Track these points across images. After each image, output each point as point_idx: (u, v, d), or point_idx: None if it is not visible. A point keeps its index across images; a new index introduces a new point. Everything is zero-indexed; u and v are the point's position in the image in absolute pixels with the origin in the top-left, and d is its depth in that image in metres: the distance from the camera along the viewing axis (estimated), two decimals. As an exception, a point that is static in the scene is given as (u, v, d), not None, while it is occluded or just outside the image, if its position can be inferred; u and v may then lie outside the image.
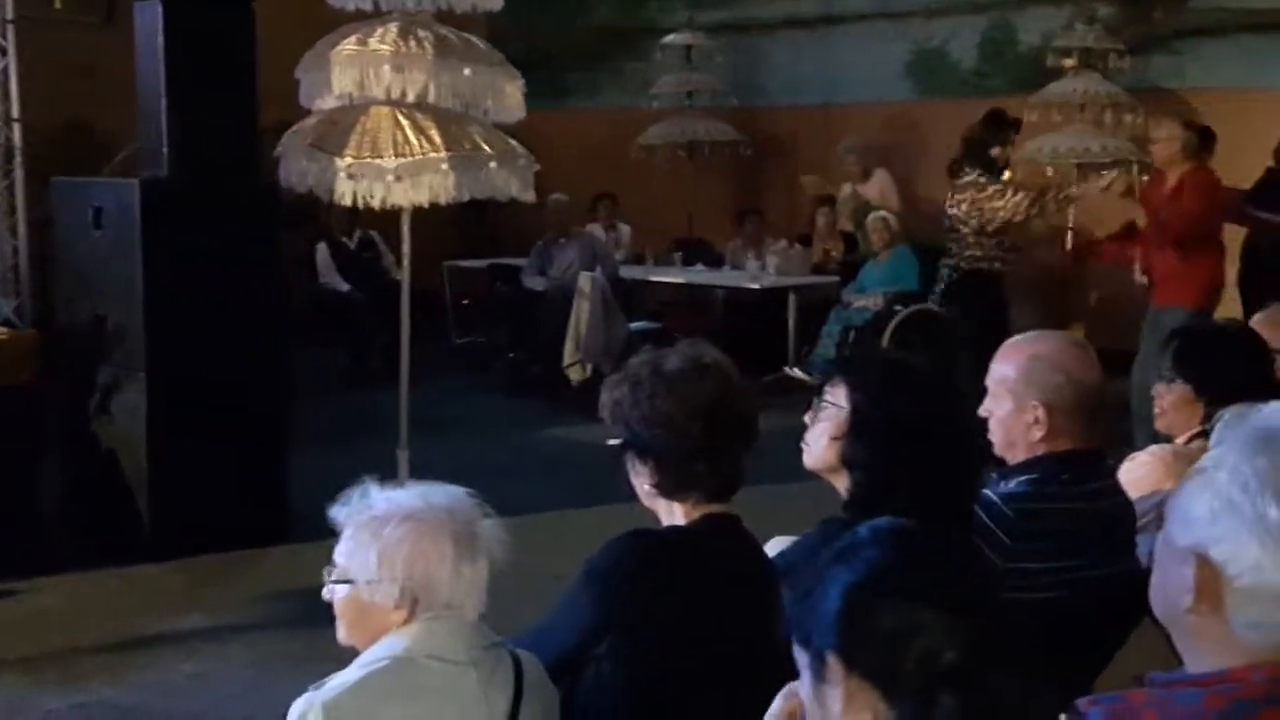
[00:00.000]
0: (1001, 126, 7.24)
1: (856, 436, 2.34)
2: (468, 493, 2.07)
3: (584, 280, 8.89)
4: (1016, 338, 2.71)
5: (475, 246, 10.72)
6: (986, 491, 2.59)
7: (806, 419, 2.50)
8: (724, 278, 9.95)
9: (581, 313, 8.80)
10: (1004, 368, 2.66)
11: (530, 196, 5.71)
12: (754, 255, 9.84)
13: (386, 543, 1.94)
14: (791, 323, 9.17)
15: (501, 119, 5.67)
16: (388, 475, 2.12)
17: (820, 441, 2.44)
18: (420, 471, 6.13)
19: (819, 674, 1.34)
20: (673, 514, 2.29)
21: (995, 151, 7.11)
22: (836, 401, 2.42)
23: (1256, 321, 3.27)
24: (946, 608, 1.29)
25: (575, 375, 8.74)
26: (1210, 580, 1.40)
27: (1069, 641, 2.53)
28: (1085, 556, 2.53)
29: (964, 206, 7.14)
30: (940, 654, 1.26)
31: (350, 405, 8.42)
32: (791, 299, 9.18)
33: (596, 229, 10.18)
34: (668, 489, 2.26)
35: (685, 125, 10.94)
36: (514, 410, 8.64)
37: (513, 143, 5.65)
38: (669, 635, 2.09)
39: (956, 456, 2.37)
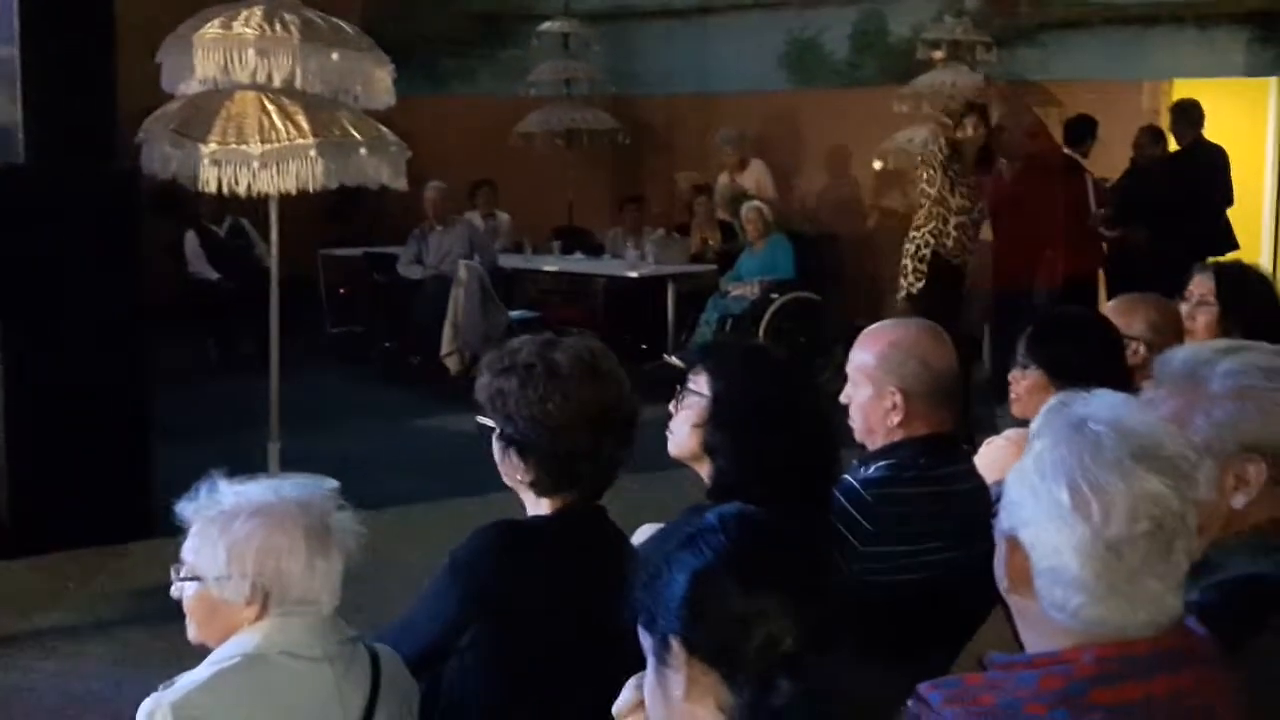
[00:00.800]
0: (969, 110, 7.34)
1: (717, 424, 2.36)
2: (322, 485, 2.03)
3: (462, 269, 8.83)
4: (874, 325, 2.75)
5: (352, 234, 10.57)
6: (846, 477, 2.62)
7: (671, 407, 2.51)
8: (603, 266, 9.95)
9: (459, 301, 8.74)
10: (863, 355, 2.69)
11: (402, 184, 5.65)
12: (633, 244, 9.86)
13: (235, 538, 1.90)
14: (670, 311, 9.21)
15: (371, 105, 5.60)
16: (258, 468, 2.08)
17: (683, 429, 2.45)
18: (293, 464, 6.07)
19: (662, 658, 1.35)
20: (538, 504, 2.28)
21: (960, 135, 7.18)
22: (698, 390, 2.43)
23: (1109, 309, 3.35)
24: (789, 595, 1.31)
25: (453, 364, 8.68)
26: (1021, 563, 1.45)
27: (928, 622, 2.58)
28: (942, 539, 2.58)
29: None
30: (780, 640, 1.28)
31: (221, 397, 8.24)
32: (670, 287, 9.22)
33: (475, 217, 10.10)
34: (544, 487, 2.25)
35: (563, 113, 10.91)
36: (391, 400, 8.55)
37: (383, 129, 5.58)
38: (532, 626, 2.09)
39: (815, 443, 2.40)
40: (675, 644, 1.33)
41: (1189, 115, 8.33)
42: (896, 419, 2.65)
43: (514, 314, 9.13)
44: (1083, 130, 8.17)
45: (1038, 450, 1.48)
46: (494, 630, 2.08)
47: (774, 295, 9.06)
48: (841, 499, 2.56)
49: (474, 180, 10.46)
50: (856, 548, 2.55)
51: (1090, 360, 2.81)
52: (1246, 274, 3.54)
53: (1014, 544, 1.46)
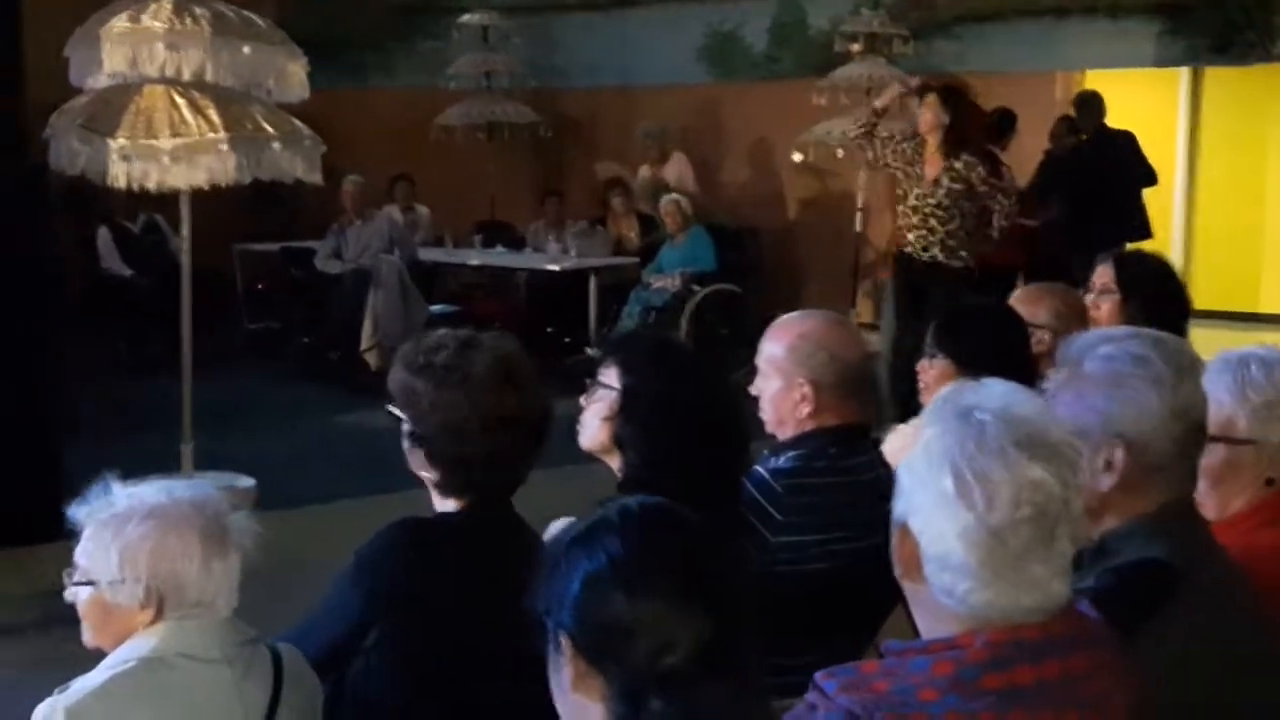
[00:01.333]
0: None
1: (627, 417, 2.37)
2: (235, 484, 2.00)
3: (381, 263, 8.76)
4: (783, 318, 2.77)
5: (270, 229, 10.43)
6: (757, 468, 2.64)
7: (582, 400, 2.51)
8: (525, 260, 9.92)
9: (379, 296, 8.68)
10: (772, 347, 2.71)
11: (317, 178, 5.59)
12: (554, 237, 9.83)
13: (128, 541, 1.87)
14: (593, 304, 9.20)
15: (285, 99, 5.53)
16: (171, 469, 2.05)
17: (593, 423, 2.46)
18: (208, 463, 6.01)
19: (556, 646, 1.35)
20: (445, 502, 2.27)
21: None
22: (608, 382, 2.43)
23: (1015, 299, 3.41)
24: (680, 604, 1.30)
25: (373, 360, 8.60)
26: (911, 550, 1.47)
27: (838, 611, 2.61)
28: (851, 528, 2.60)
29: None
30: (660, 655, 1.28)
31: (134, 396, 8.10)
32: (592, 280, 9.21)
33: (394, 211, 10.01)
34: (449, 488, 2.23)
35: (484, 106, 10.84)
36: (310, 397, 8.46)
37: (297, 123, 5.52)
38: (438, 625, 2.08)
39: (725, 435, 2.41)
40: (564, 639, 1.33)
41: (1091, 105, 8.49)
42: (806, 410, 2.67)
43: (434, 308, 9.08)
44: (1004, 125, 8.27)
45: (926, 439, 1.50)
46: (399, 629, 2.07)
47: (695, 287, 9.08)
48: (752, 490, 2.58)
49: (393, 174, 10.37)
50: (767, 538, 2.57)
51: (995, 349, 2.86)
52: (1146, 262, 3.61)
53: (905, 531, 1.48)
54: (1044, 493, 1.44)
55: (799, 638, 2.60)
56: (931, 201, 6.55)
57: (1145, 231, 8.44)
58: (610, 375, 2.42)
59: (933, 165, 6.60)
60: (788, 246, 10.50)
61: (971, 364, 2.84)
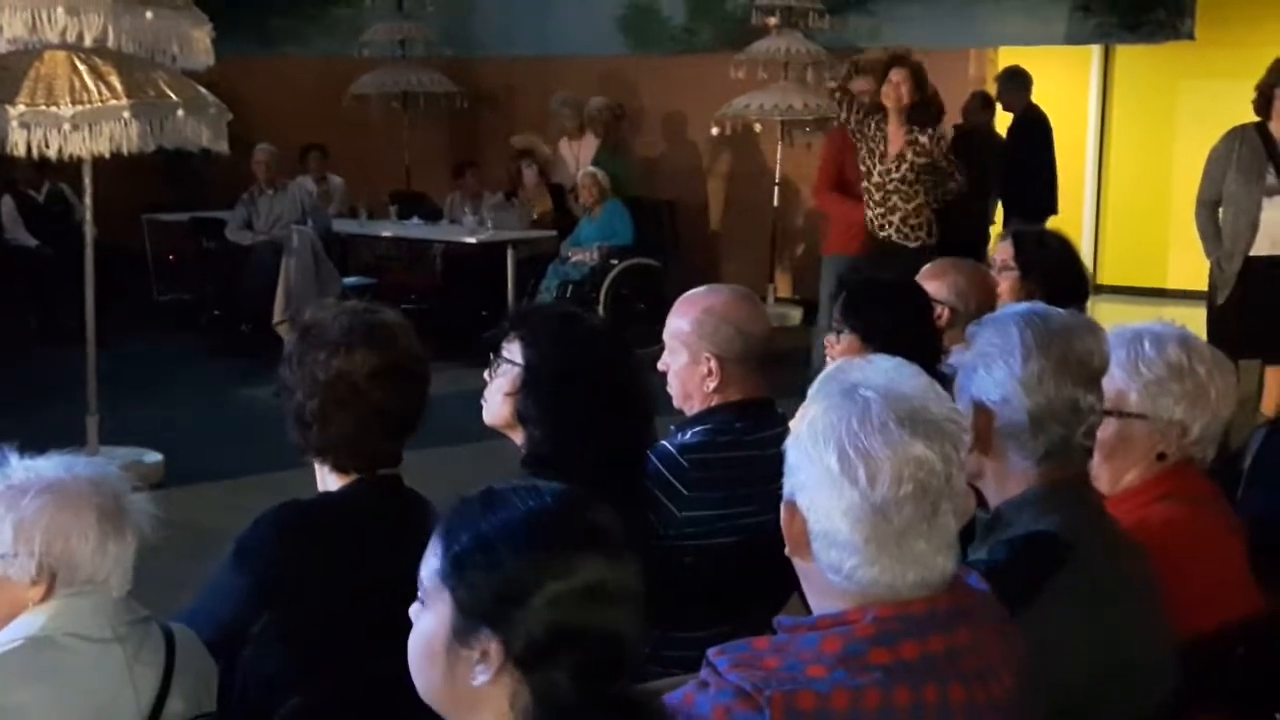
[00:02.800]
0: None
1: (529, 392, 2.36)
2: (141, 459, 1.97)
3: (294, 234, 8.63)
4: (689, 293, 2.78)
5: (180, 199, 10.26)
6: (663, 443, 2.65)
7: (486, 375, 2.50)
8: (441, 232, 9.83)
9: (291, 268, 8.54)
10: (678, 322, 2.72)
11: (223, 147, 5.50)
12: (471, 209, 9.75)
13: (23, 515, 1.83)
14: (510, 278, 9.14)
15: (190, 66, 5.43)
16: (76, 442, 2.01)
17: (496, 398, 2.45)
18: (115, 437, 5.91)
19: (437, 610, 1.37)
20: (325, 479, 2.25)
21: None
22: (511, 357, 2.42)
23: (921, 274, 3.44)
24: (564, 582, 1.33)
25: (285, 333, 8.48)
26: (799, 527, 1.48)
27: (746, 585, 2.63)
28: (757, 503, 2.62)
29: None
30: (556, 617, 1.30)
31: (40, 368, 7.94)
32: (510, 253, 9.15)
33: (307, 181, 9.87)
34: (327, 460, 2.21)
35: (398, 75, 10.73)
36: (220, 370, 8.35)
37: (202, 90, 5.42)
38: (326, 607, 2.06)
39: (628, 410, 2.41)
40: (449, 601, 1.36)
41: (1018, 80, 8.55)
42: (712, 384, 2.69)
43: (348, 281, 8.98)
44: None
45: (811, 416, 1.51)
46: (287, 615, 2.05)
47: (613, 261, 9.07)
48: (658, 464, 2.60)
49: (305, 144, 10.23)
50: (673, 513, 2.59)
51: (899, 324, 2.89)
52: (1043, 239, 3.68)
53: (792, 508, 1.49)
54: (926, 469, 1.45)
55: (707, 612, 2.63)
56: (895, 177, 6.38)
57: (1053, 208, 8.57)
58: (513, 350, 2.41)
59: (895, 140, 6.42)
60: (706, 221, 10.54)
61: (876, 339, 2.88)
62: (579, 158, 9.99)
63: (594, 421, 2.32)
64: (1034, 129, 8.51)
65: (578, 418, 2.32)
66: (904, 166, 6.38)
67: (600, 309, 8.89)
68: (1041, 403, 1.92)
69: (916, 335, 2.90)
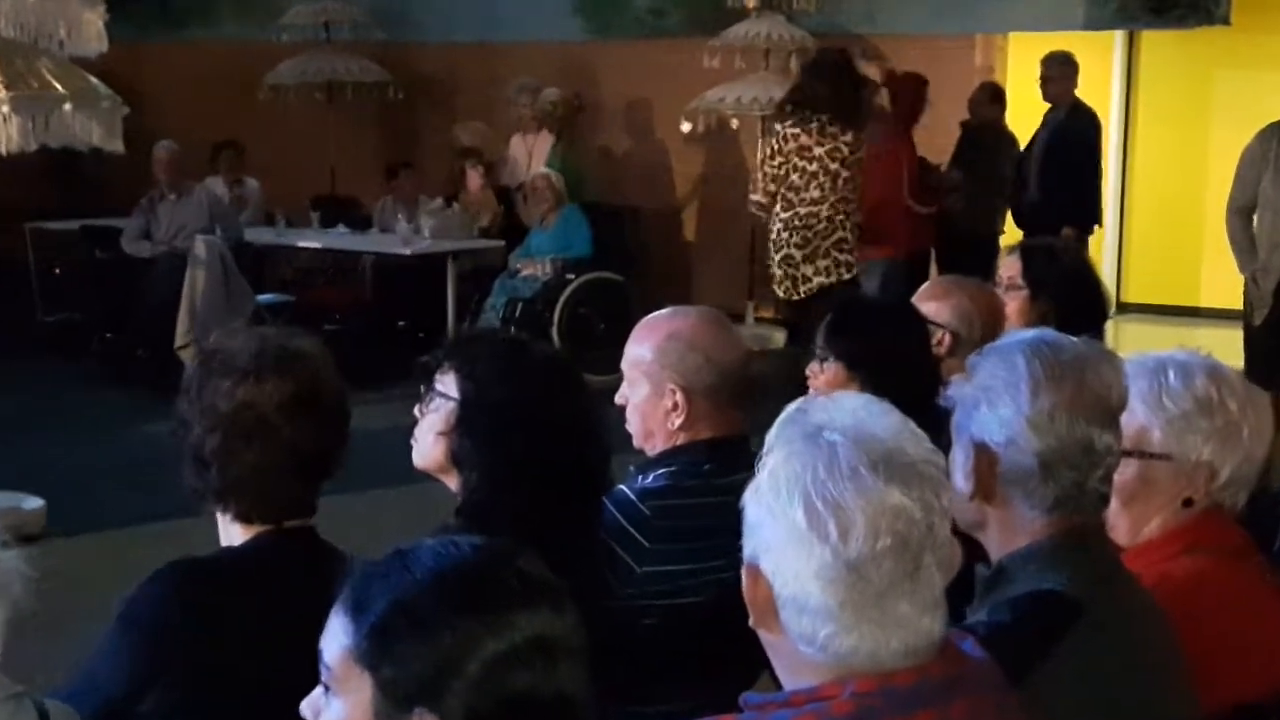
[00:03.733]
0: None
1: (464, 431, 2.36)
2: (20, 506, 1.95)
3: (200, 245, 8.62)
4: (651, 316, 2.78)
5: (69, 205, 10.21)
6: (621, 488, 2.65)
7: (417, 411, 2.50)
8: (370, 242, 9.85)
9: (197, 284, 8.54)
10: (638, 349, 2.72)
11: (118, 145, 5.51)
12: (405, 216, 9.76)
13: None
14: (450, 294, 9.16)
15: (79, 52, 5.44)
16: None
17: (427, 437, 2.44)
18: (-14, 480, 5.86)
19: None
20: (228, 531, 2.24)
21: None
22: (445, 391, 2.42)
23: (920, 293, 3.47)
24: (503, 640, 1.33)
25: (189, 359, 8.46)
26: (764, 594, 1.49)
27: (713, 652, 2.63)
28: (728, 557, 2.61)
29: None
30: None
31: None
32: (450, 266, 9.18)
33: (216, 184, 9.87)
34: (229, 509, 2.20)
35: (323, 62, 10.74)
36: (113, 402, 8.32)
37: (94, 81, 5.42)
38: (226, 681, 2.05)
39: (580, 450, 2.41)
40: (369, 684, 1.35)
41: (1068, 68, 8.48)
42: (678, 420, 2.69)
43: (263, 298, 8.98)
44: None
45: (771, 466, 1.52)
46: (181, 690, 2.03)
47: (570, 276, 9.11)
48: (615, 513, 2.59)
49: (215, 141, 10.21)
50: (633, 568, 2.59)
51: (888, 351, 2.91)
52: (1055, 253, 3.71)
53: (755, 573, 1.50)
54: (905, 519, 1.46)
55: (672, 681, 2.62)
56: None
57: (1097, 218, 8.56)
58: (447, 382, 2.41)
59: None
60: (676, 229, 10.57)
61: (863, 367, 2.90)
62: (532, 156, 10.00)
63: (540, 465, 2.32)
64: (1085, 127, 8.46)
65: (521, 461, 2.32)
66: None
67: (554, 330, 8.93)
68: (1052, 444, 1.94)
69: (910, 364, 2.92)
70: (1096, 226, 8.39)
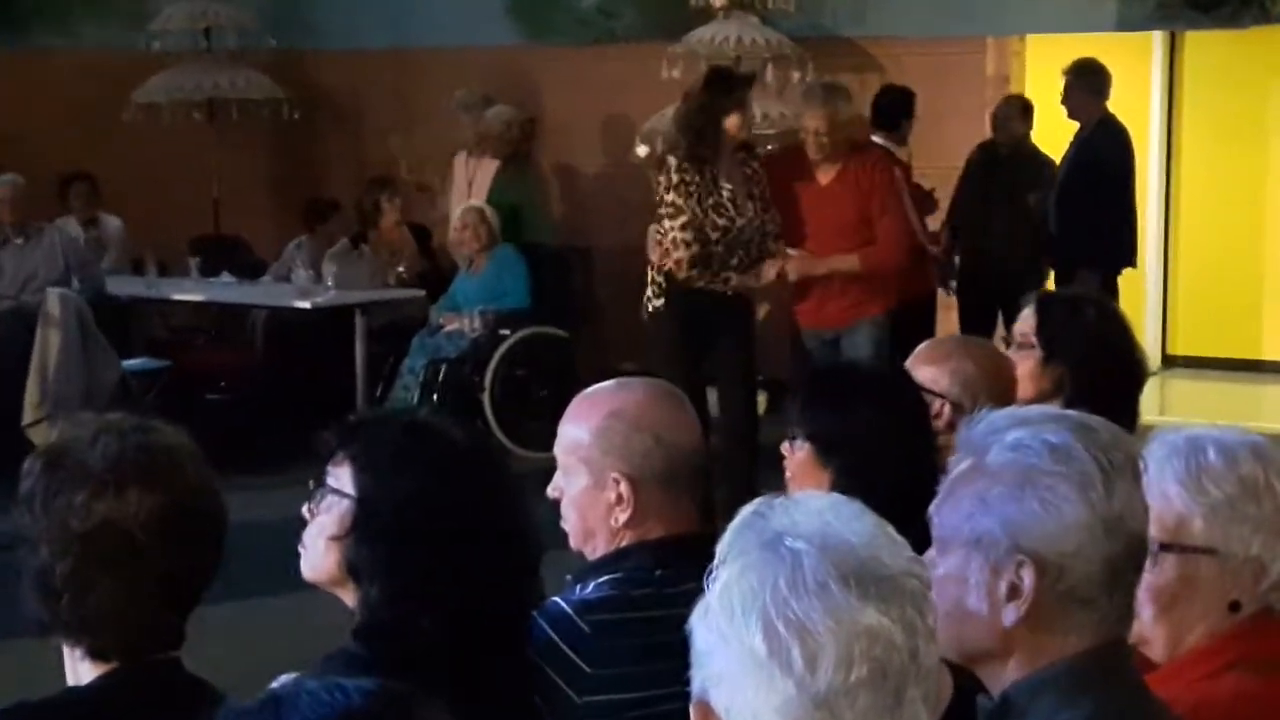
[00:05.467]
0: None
1: (363, 537, 2.35)
2: None
3: (52, 299, 8.59)
4: (588, 391, 2.79)
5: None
6: (557, 600, 2.65)
7: (305, 512, 2.50)
8: (262, 293, 9.85)
9: (49, 346, 8.50)
10: (574, 430, 2.73)
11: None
12: (305, 261, 9.75)
13: None
14: (359, 356, 9.14)
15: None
16: None
17: (318, 543, 2.43)
18: None
19: None
20: (76, 668, 2.23)
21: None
22: (339, 486, 2.42)
23: (915, 356, 3.49)
24: None
25: (40, 438, 8.40)
26: (716, 734, 1.49)
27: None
28: (684, 682, 2.62)
29: None
30: None
31: None
32: (359, 322, 9.16)
33: (70, 224, 9.86)
34: (78, 643, 2.19)
35: (202, 76, 10.73)
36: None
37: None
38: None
39: (504, 557, 2.42)
40: None
41: (1095, 79, 8.56)
42: (623, 516, 2.70)
43: (130, 363, 8.92)
44: (895, 107, 8.45)
45: (724, 581, 1.52)
46: None
47: (504, 332, 9.11)
48: (549, 632, 2.59)
49: (69, 172, 10.21)
50: (571, 699, 2.58)
51: (863, 430, 2.93)
52: (1079, 306, 3.74)
53: (705, 710, 1.50)
54: (883, 643, 1.46)
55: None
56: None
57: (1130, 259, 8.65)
58: (341, 476, 2.41)
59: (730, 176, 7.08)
60: (630, 273, 10.55)
61: (836, 451, 2.91)
62: (472, 185, 9.98)
63: (455, 576, 2.32)
64: (1112, 146, 8.56)
65: (431, 571, 2.31)
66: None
67: (485, 397, 8.92)
68: (1119, 548, 1.94)
69: (889, 444, 2.93)
70: (1129, 267, 8.44)
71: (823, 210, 7.19)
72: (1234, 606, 2.27)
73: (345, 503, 2.39)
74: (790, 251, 7.16)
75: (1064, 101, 8.57)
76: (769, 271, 7.14)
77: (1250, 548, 2.26)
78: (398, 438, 2.44)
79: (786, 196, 7.22)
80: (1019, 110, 8.86)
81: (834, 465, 2.92)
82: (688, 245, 6.93)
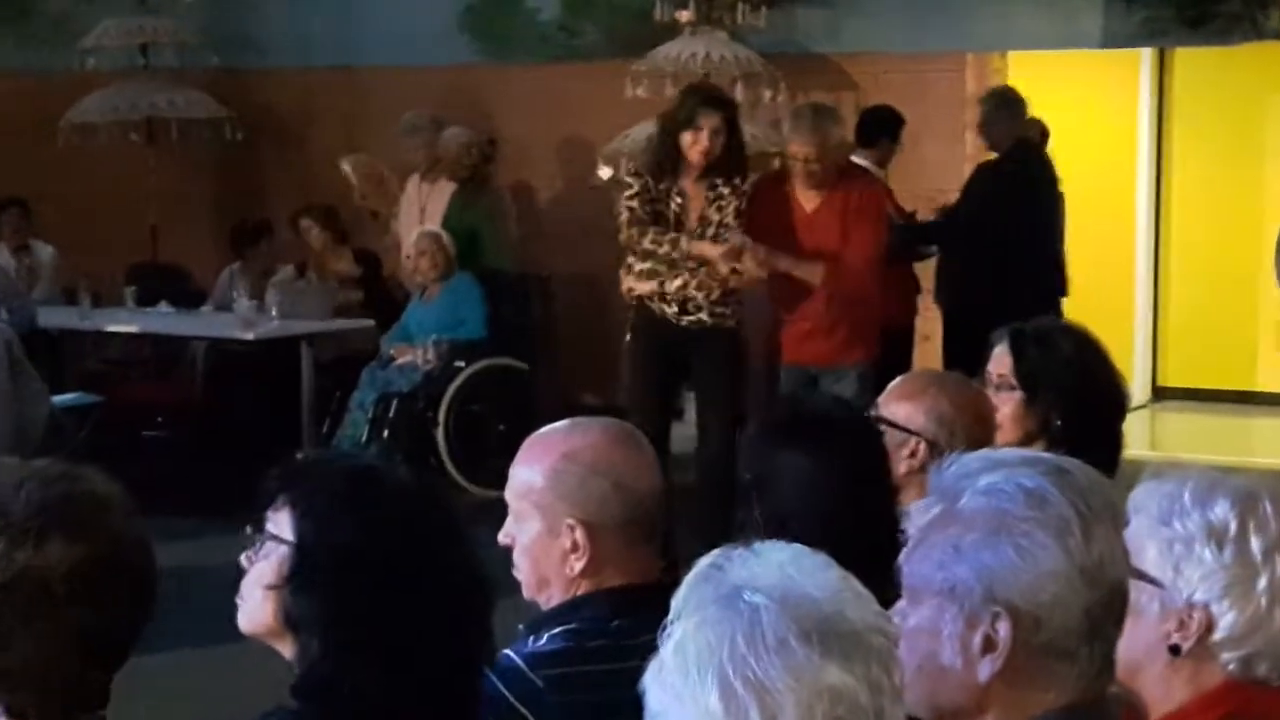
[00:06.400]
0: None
1: (301, 585, 2.34)
2: None
3: (-21, 332, 8.56)
4: (542, 431, 2.79)
5: None
6: (509, 653, 2.66)
7: (243, 560, 2.48)
8: (203, 324, 9.83)
9: (-24, 381, 8.46)
10: (527, 474, 2.73)
11: None
12: (248, 289, 9.72)
13: None
14: (305, 390, 9.12)
15: None
16: None
17: (255, 593, 2.42)
18: None
19: None
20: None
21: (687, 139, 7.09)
22: (278, 533, 2.41)
23: (887, 393, 3.49)
24: None
25: (-34, 481, 8.37)
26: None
27: None
28: (646, 739, 2.63)
29: None
30: None
31: None
32: (305, 354, 9.14)
33: (0, 253, 9.81)
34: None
35: (140, 95, 10.71)
36: None
37: None
38: None
39: (451, 607, 2.41)
40: None
41: (1009, 107, 8.61)
42: (579, 564, 2.70)
43: (62, 399, 8.87)
44: (878, 126, 8.48)
45: (678, 637, 1.52)
46: None
47: (459, 364, 9.09)
48: (500, 687, 2.60)
49: (-1, 197, 10.20)
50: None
51: (787, 475, 2.94)
52: (1051, 339, 3.73)
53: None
54: (847, 703, 1.47)
55: None
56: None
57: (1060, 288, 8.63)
58: (280, 522, 2.40)
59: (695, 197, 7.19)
60: (594, 301, 10.57)
61: (765, 496, 2.92)
62: (425, 210, 9.97)
63: (400, 628, 2.31)
64: (1027, 171, 8.56)
65: (375, 623, 2.30)
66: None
67: (439, 434, 8.90)
68: (1101, 596, 1.94)
69: (818, 494, 2.93)
70: (1060, 298, 8.38)
71: (808, 237, 7.20)
72: (1174, 650, 2.27)
73: (283, 550, 2.38)
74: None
75: (980, 130, 8.57)
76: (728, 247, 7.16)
77: (1195, 592, 2.26)
78: (340, 481, 2.42)
79: (771, 223, 7.21)
80: (1038, 133, 8.92)
81: (760, 509, 2.94)
82: (632, 213, 7.17)
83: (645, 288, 7.19)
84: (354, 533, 2.35)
